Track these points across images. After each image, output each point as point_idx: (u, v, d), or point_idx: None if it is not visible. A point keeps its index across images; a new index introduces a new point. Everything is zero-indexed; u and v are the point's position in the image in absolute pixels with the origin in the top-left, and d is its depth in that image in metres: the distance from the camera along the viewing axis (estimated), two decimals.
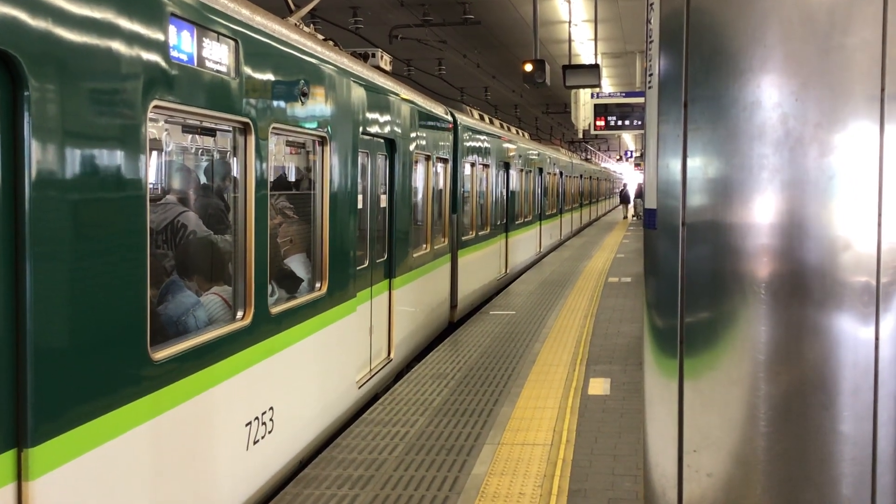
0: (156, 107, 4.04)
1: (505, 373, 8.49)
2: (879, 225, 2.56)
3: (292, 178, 7.54)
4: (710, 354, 2.68)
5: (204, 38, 4.50)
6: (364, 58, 8.92)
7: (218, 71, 4.64)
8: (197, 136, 6.23)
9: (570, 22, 18.91)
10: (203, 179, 6.41)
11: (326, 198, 6.52)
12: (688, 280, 2.68)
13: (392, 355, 8.65)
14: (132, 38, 3.83)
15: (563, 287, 15.02)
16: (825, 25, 2.54)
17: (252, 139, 5.05)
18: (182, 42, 4.29)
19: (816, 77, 2.53)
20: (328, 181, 6.53)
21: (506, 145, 16.54)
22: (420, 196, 10.50)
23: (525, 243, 18.97)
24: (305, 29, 6.85)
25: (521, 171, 18.39)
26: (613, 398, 7.50)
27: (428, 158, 10.58)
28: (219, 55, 4.66)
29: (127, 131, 3.77)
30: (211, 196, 6.01)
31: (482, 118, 15.32)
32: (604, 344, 9.93)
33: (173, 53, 4.18)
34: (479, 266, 13.99)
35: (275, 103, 5.42)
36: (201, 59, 4.47)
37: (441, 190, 11.66)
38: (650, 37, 2.88)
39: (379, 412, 7.10)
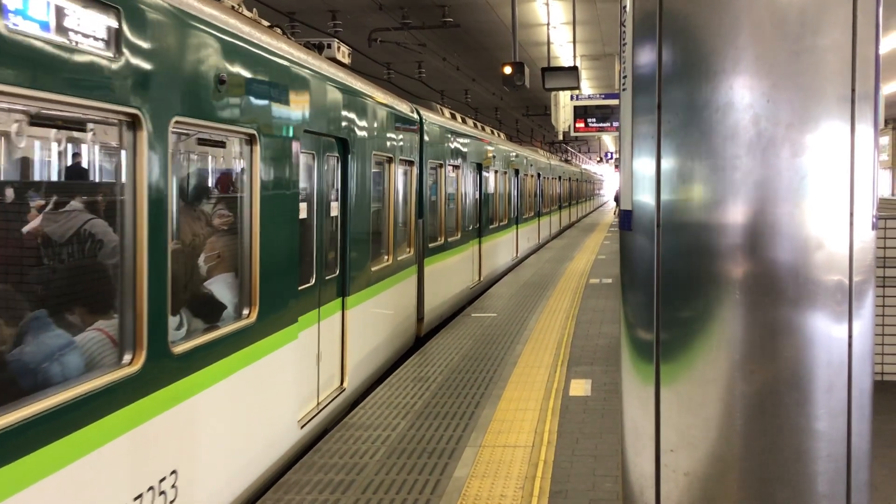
0: None
1: (486, 375, 8.50)
2: (851, 224, 2.58)
3: (211, 183, 6.45)
4: (685, 354, 2.70)
5: (67, 4, 3.56)
6: (319, 49, 8.03)
7: (89, 47, 3.69)
8: (70, 131, 5.21)
9: (548, 24, 18.97)
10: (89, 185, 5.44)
11: (256, 207, 5.48)
12: (663, 280, 2.70)
13: (346, 384, 7.64)
14: None
15: (544, 289, 15.06)
16: (796, 27, 2.56)
17: (143, 135, 4.10)
18: (29, 5, 3.36)
19: (788, 78, 2.55)
20: (257, 187, 5.49)
21: (478, 145, 15.86)
22: (380, 202, 9.44)
23: (500, 249, 18.33)
24: (247, 14, 5.92)
25: (496, 172, 17.81)
26: (594, 399, 7.53)
27: (389, 160, 9.59)
28: (90, 26, 3.69)
29: None
30: (89, 205, 4.72)
31: (454, 117, 14.70)
32: (585, 345, 9.95)
33: (14, 21, 3.27)
34: (449, 275, 13.11)
35: (177, 91, 4.45)
36: (62, 30, 3.50)
37: (405, 194, 10.72)
38: (624, 39, 2.90)
39: (360, 416, 7.09)
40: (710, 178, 2.61)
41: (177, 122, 4.43)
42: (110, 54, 3.83)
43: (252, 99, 5.44)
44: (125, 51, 3.93)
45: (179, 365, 4.48)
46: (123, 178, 4.11)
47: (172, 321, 4.52)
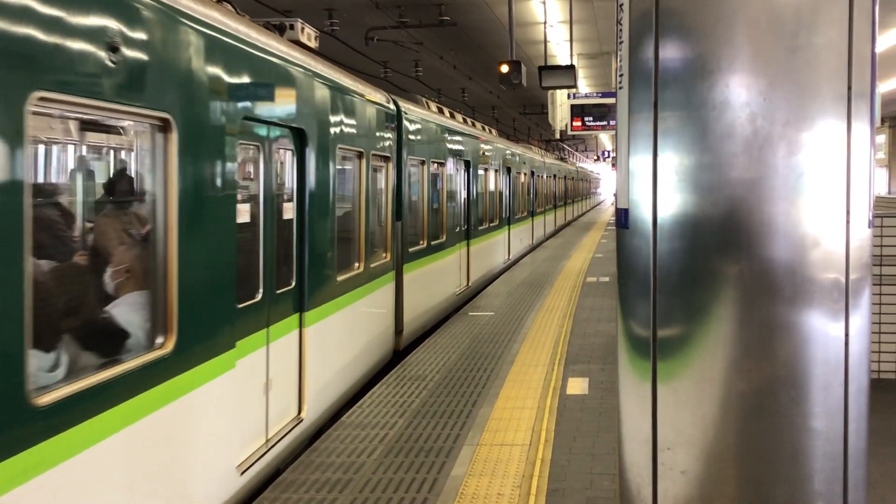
0: None
1: (483, 374, 8.50)
2: (848, 222, 2.58)
3: (105, 179, 5.36)
4: (682, 352, 2.70)
5: None
6: (280, 29, 7.12)
7: None
8: None
9: (545, 23, 18.99)
10: None
11: (172, 210, 4.46)
12: (660, 278, 2.70)
13: (304, 413, 6.63)
14: None
15: (541, 287, 15.06)
16: (792, 25, 2.56)
17: None
18: None
19: (784, 76, 2.55)
20: (174, 185, 4.46)
21: (466, 141, 14.89)
22: (349, 203, 8.39)
23: (490, 251, 17.39)
24: None
25: (486, 170, 17.06)
26: (592, 397, 7.53)
27: (360, 155, 8.48)
28: None
29: None
30: None
31: (441, 111, 13.75)
32: (582, 343, 9.96)
33: None
34: (433, 281, 12.14)
35: (40, 60, 3.42)
36: None
37: (380, 194, 9.76)
38: (620, 38, 2.90)
39: (357, 415, 7.09)
40: (707, 176, 2.61)
41: (40, 99, 3.41)
42: None
43: (164, 75, 4.37)
44: None
45: (47, 420, 3.44)
46: None
47: (41, 360, 3.60)
